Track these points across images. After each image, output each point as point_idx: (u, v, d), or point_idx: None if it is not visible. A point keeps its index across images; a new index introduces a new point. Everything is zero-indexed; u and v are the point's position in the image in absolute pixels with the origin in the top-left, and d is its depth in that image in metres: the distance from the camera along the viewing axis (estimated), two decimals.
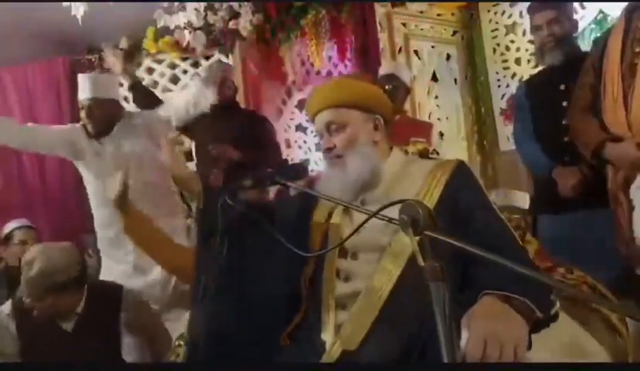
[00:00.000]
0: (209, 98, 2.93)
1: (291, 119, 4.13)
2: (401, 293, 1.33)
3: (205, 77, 2.97)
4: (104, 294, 2.20)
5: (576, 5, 3.51)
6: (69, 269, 2.01)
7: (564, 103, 2.27)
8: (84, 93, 2.74)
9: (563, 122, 2.26)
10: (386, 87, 3.10)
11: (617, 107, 1.95)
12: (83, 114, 2.75)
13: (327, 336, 1.38)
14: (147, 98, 3.20)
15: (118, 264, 2.80)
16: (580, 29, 3.28)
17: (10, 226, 3.01)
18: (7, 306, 2.11)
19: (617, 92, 1.94)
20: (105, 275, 2.84)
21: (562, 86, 2.32)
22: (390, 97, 3.13)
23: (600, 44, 2.10)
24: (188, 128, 3.26)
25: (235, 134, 3.06)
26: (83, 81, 2.77)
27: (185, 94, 2.99)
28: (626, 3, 2.07)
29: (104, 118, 2.75)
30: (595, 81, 2.07)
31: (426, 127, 3.22)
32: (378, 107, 1.55)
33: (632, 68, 1.93)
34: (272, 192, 2.23)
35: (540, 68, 2.62)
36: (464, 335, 1.05)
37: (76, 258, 2.08)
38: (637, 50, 1.93)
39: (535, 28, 2.42)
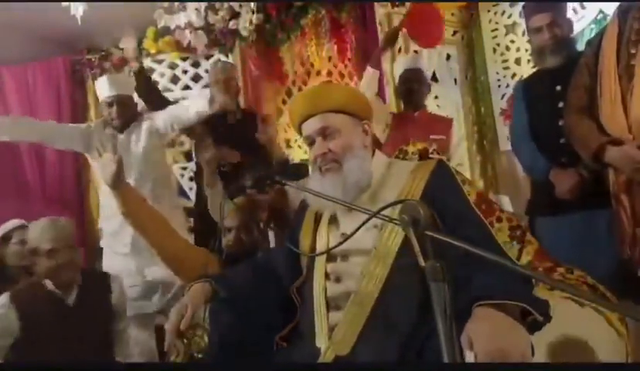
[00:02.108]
0: (218, 102, 2.95)
1: None
2: (390, 295, 1.33)
3: (215, 81, 3.05)
4: (96, 276, 2.48)
5: (576, 4, 3.51)
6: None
7: (560, 105, 2.26)
8: (109, 90, 2.89)
9: (560, 123, 2.25)
10: (414, 87, 3.07)
11: (615, 109, 1.93)
12: (106, 110, 2.91)
13: (321, 342, 1.39)
14: (149, 91, 3.26)
15: (119, 256, 2.83)
16: (579, 29, 3.28)
17: (8, 226, 3.00)
18: (4, 297, 2.21)
19: (615, 93, 1.92)
20: (107, 269, 2.86)
21: (558, 87, 2.30)
22: (416, 95, 3.11)
23: (594, 44, 2.08)
24: (188, 129, 3.27)
25: (236, 134, 3.07)
26: (106, 81, 2.94)
27: (188, 106, 3.01)
28: (619, 3, 2.06)
29: (126, 114, 2.92)
30: (590, 82, 2.05)
31: (446, 123, 3.17)
32: (364, 111, 1.56)
33: (629, 69, 1.91)
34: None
35: (537, 68, 2.60)
36: (469, 356, 1.04)
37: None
38: (633, 51, 1.91)
39: (535, 30, 2.38)
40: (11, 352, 2.16)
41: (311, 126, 1.51)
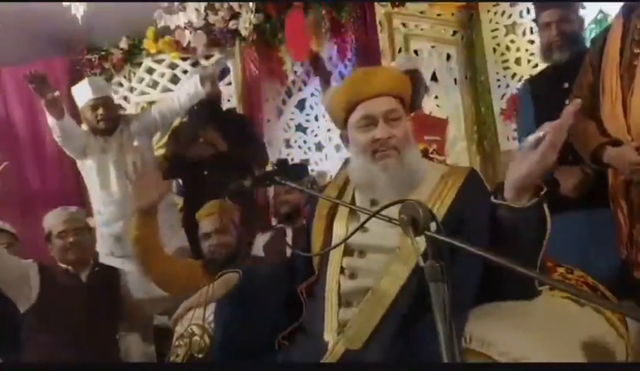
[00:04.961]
0: (199, 95, 3.02)
1: (291, 119, 4.13)
2: (408, 296, 1.32)
3: (203, 75, 3.03)
4: (108, 267, 2.66)
5: (576, 4, 3.51)
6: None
7: (567, 102, 2.26)
8: (93, 93, 2.86)
9: None
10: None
11: (615, 109, 1.92)
12: (91, 113, 2.85)
13: (329, 336, 1.37)
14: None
15: (121, 260, 2.82)
16: None
17: None
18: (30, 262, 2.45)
19: (616, 93, 1.91)
20: None
21: (565, 85, 2.29)
22: (413, 96, 3.10)
23: (599, 43, 2.07)
24: (175, 129, 3.31)
25: (222, 131, 3.09)
26: (87, 84, 2.91)
27: (179, 92, 3.09)
28: (623, 2, 2.06)
29: (112, 116, 2.91)
30: (594, 80, 2.05)
31: (441, 124, 3.16)
32: (408, 103, 1.51)
33: (631, 69, 1.90)
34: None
35: (541, 67, 2.60)
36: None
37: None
38: (636, 51, 1.90)
39: (543, 26, 2.37)
40: (27, 317, 2.33)
41: (377, 106, 1.40)
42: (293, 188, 2.37)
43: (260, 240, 2.75)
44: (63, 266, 2.46)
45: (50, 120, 2.74)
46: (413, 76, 3.07)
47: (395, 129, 1.40)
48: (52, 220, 2.48)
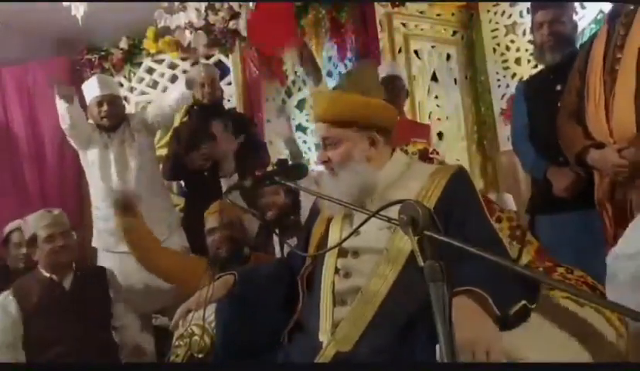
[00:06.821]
0: (188, 98, 3.03)
1: (292, 119, 4.13)
2: (398, 295, 1.34)
3: (189, 78, 3.02)
4: (91, 268, 2.62)
5: (576, 4, 3.51)
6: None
7: (559, 104, 2.26)
8: (99, 90, 2.88)
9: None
10: (392, 94, 3.07)
11: (598, 113, 1.93)
12: (96, 110, 2.88)
13: (324, 336, 1.39)
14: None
15: (117, 255, 2.82)
16: (580, 29, 3.28)
17: (8, 228, 3.00)
18: (6, 292, 2.36)
19: (599, 97, 1.93)
20: None
21: (558, 87, 2.30)
22: (394, 101, 3.13)
23: (586, 48, 2.09)
24: (176, 129, 3.31)
25: (223, 133, 3.09)
26: (95, 81, 2.94)
27: (167, 95, 3.09)
28: (621, 3, 2.06)
29: (116, 113, 2.92)
30: (580, 85, 2.06)
31: (424, 129, 3.21)
32: (376, 121, 1.52)
33: (613, 74, 1.91)
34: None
35: (540, 68, 2.61)
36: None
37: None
38: (618, 56, 1.91)
39: (537, 26, 2.38)
40: (24, 351, 2.27)
41: (317, 132, 1.55)
42: (283, 188, 2.39)
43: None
44: (47, 274, 2.38)
45: (61, 105, 2.75)
46: (393, 82, 3.09)
47: (330, 152, 1.51)
48: (38, 223, 2.40)
